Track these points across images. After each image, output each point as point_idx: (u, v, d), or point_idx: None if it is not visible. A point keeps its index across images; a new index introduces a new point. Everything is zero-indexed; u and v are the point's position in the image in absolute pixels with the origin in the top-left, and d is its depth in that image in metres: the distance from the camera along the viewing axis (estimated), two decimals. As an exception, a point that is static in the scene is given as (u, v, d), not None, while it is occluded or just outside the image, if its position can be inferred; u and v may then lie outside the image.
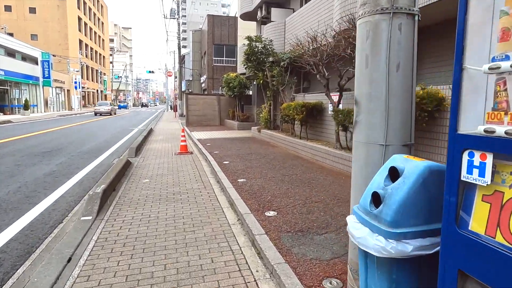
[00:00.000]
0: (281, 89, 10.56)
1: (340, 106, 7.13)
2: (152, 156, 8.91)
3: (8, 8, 48.14)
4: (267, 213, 4.01)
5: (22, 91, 30.75)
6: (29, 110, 29.06)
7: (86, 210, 4.29)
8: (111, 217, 4.20)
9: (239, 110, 17.00)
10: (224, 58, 26.68)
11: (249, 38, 11.50)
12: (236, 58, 26.24)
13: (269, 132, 10.91)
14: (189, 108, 18.99)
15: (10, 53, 32.52)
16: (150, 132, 15.44)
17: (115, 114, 35.73)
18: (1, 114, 27.12)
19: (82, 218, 4.12)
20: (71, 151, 9.58)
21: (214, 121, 19.39)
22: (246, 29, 26.06)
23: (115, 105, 46.40)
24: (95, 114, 32.35)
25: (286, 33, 11.66)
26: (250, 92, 18.75)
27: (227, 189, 5.16)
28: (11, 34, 42.37)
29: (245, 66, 12.08)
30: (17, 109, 29.25)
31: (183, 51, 33.12)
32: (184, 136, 9.47)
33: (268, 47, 11.56)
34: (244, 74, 16.56)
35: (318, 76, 7.34)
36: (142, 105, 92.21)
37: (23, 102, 29.30)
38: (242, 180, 5.75)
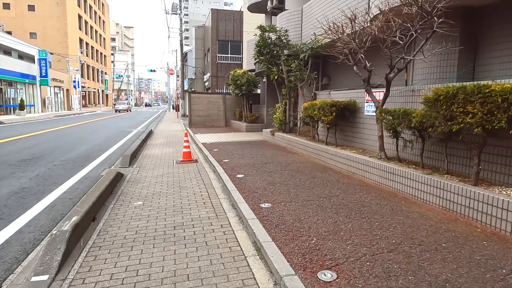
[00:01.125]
0: (299, 86, 9.09)
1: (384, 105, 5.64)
2: (149, 165, 7.47)
3: (6, 6, 46.98)
4: (321, 275, 2.54)
5: (18, 90, 29.43)
6: (25, 110, 27.74)
7: (42, 263, 2.85)
8: (80, 275, 2.75)
9: (247, 110, 15.54)
10: (229, 55, 25.23)
11: (261, 27, 10.04)
12: (242, 54, 24.81)
13: (285, 136, 9.45)
14: (192, 108, 17.56)
15: (6, 51, 31.25)
16: (150, 134, 14.01)
17: (130, 111, 43.83)
18: (-5, 114, 25.81)
19: (33, 279, 2.68)
20: (55, 158, 8.15)
21: (219, 122, 17.94)
22: (252, 24, 24.59)
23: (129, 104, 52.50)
24: (116, 111, 40.92)
25: (303, 23, 10.18)
26: (259, 91, 17.29)
27: (248, 221, 3.69)
28: (9, 32, 41.15)
29: (257, 60, 10.62)
30: (12, 109, 27.94)
31: (186, 48, 31.70)
32: (187, 141, 8.03)
33: (283, 38, 10.09)
34: (252, 70, 15.11)
35: (355, 68, 5.86)
36: (146, 105, 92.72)
37: (19, 102, 27.98)
38: (266, 205, 4.28)
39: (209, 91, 24.57)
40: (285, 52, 10.24)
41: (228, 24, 24.95)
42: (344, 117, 6.87)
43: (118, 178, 5.95)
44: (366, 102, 6.53)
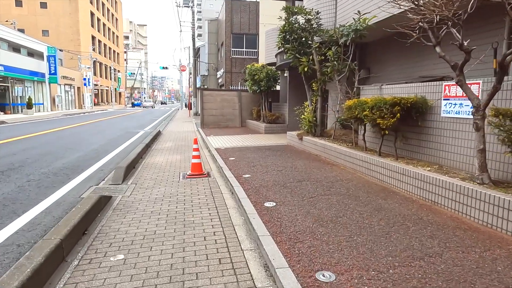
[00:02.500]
0: (336, 79, 7.26)
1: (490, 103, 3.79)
2: (149, 180, 5.82)
3: (19, 3, 46.59)
4: None
5: (26, 88, 28.50)
6: (32, 109, 26.76)
7: None
8: None
9: (266, 109, 13.77)
10: (244, 49, 23.50)
11: (287, 8, 8.24)
12: (258, 48, 23.06)
13: (318, 142, 7.65)
14: (204, 107, 15.92)
15: (15, 48, 30.42)
16: (157, 136, 12.43)
17: (153, 107, 54.95)
18: (1, 113, 24.87)
19: None
20: (35, 170, 6.60)
21: (234, 122, 16.24)
22: (269, 16, 22.86)
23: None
24: (144, 107, 52.27)
25: (338, 2, 8.33)
26: (278, 87, 15.51)
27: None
28: (22, 30, 40.61)
29: (280, 49, 8.84)
30: (20, 108, 27.01)
31: (198, 43, 30.14)
32: (197, 150, 6.31)
33: (314, 21, 8.27)
34: (272, 64, 13.32)
35: (437, 49, 4.02)
36: (161, 103, 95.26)
37: (27, 100, 27.01)
38: (328, 276, 2.51)
39: (223, 88, 22.87)
40: (316, 39, 8.43)
41: (244, 16, 23.21)
42: (408, 120, 5.03)
43: (100, 205, 4.30)
44: (445, 100, 4.67)
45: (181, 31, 28.14)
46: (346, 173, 5.90)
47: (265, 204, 4.19)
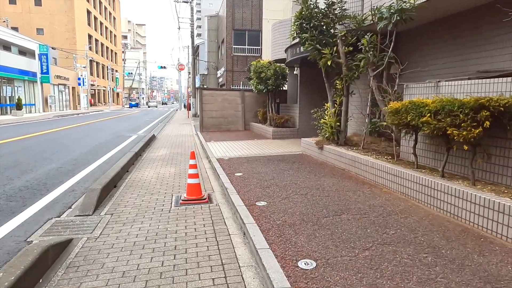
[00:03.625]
0: (371, 75, 5.76)
1: None
2: (130, 208, 4.34)
3: (12, 1, 45.12)
4: None
5: (16, 88, 26.98)
6: (22, 110, 25.25)
7: None
8: None
9: (273, 110, 12.28)
10: (246, 46, 22.03)
11: (305, -12, 6.75)
12: (261, 45, 21.60)
13: (344, 153, 6.15)
14: (204, 108, 14.43)
15: (6, 46, 28.91)
16: (150, 141, 10.94)
17: (156, 107, 61.74)
18: (-12, 114, 23.38)
19: None
20: (-15, 192, 5.11)
21: (236, 125, 14.76)
22: (273, 11, 21.41)
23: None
24: (149, 106, 61.73)
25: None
26: (285, 87, 14.02)
27: None
28: (15, 29, 39.13)
29: (296, 39, 7.37)
30: (9, 109, 25.49)
31: (197, 41, 28.64)
32: (194, 166, 4.80)
33: (337, 5, 6.79)
34: (280, 61, 11.84)
35: None
36: (163, 103, 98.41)
37: (16, 100, 25.49)
38: None
39: (224, 88, 21.37)
40: (338, 28, 6.96)
41: (246, 11, 21.73)
42: (494, 130, 3.54)
43: (46, 262, 2.81)
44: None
45: (179, 28, 26.69)
46: (395, 199, 4.41)
47: (299, 263, 2.69)
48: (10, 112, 24.98)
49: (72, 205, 4.62)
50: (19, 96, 25.97)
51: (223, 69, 23.39)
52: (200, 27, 56.03)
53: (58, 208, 4.48)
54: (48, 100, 31.80)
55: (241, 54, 21.92)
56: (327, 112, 7.22)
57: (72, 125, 17.79)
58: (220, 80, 25.29)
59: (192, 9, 25.49)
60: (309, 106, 11.19)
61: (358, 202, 4.27)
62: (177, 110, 45.73)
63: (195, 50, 27.73)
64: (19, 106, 25.16)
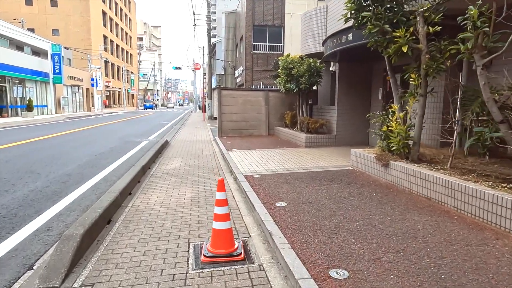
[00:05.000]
0: (479, 64, 3.93)
1: None
2: (124, 268, 2.65)
3: (29, 2, 44.99)
4: None
5: (27, 89, 26.09)
6: (33, 111, 24.26)
7: None
8: None
9: (305, 113, 10.50)
10: (267, 43, 20.34)
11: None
12: (283, 42, 19.87)
13: (436, 178, 4.31)
14: (223, 110, 12.79)
15: (19, 46, 28.19)
16: (163, 149, 9.37)
17: (173, 107, 72.02)
18: (-2, 116, 22.47)
19: None
20: None
21: (259, 130, 13.05)
22: (296, 5, 19.67)
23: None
24: (167, 107, 69.35)
25: None
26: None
27: None
28: (31, 30, 38.75)
29: (353, 21, 5.58)
30: (20, 111, 24.59)
31: (213, 40, 27.16)
32: (224, 203, 3.09)
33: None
34: (313, 56, 10.08)
35: None
36: (179, 105, 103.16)
37: (27, 102, 24.53)
38: None
39: (246, 88, 19.68)
40: (406, 8, 5.15)
41: (267, 5, 20.07)
42: None
43: None
44: None
45: (195, 25, 25.21)
46: None
47: None
48: (21, 114, 24.05)
49: (36, 261, 3.00)
50: (30, 97, 25.02)
51: (241, 68, 21.77)
52: (215, 28, 54.77)
53: (12, 269, 2.86)
54: (60, 102, 30.92)
55: (262, 52, 20.24)
56: (392, 117, 5.40)
57: (80, 128, 16.49)
58: (238, 80, 23.68)
59: (209, 5, 24.03)
60: (349, 108, 9.39)
61: (500, 272, 2.47)
62: (191, 112, 44.47)
63: (212, 48, 26.24)
64: (30, 108, 24.17)
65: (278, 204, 4.23)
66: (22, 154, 8.38)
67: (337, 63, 9.53)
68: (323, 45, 9.05)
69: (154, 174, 6.42)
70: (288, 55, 10.41)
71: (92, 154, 8.61)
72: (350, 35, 6.87)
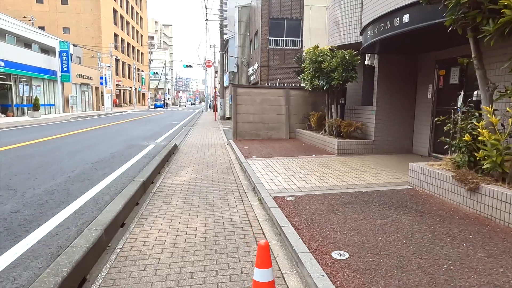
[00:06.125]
0: None
1: None
2: None
3: (39, 0, 44.54)
4: None
5: (34, 87, 25.25)
6: (39, 111, 23.39)
7: None
8: None
9: (335, 114, 9.03)
10: (284, 38, 18.90)
11: None
12: (302, 37, 18.40)
13: None
14: (238, 110, 11.42)
15: (27, 43, 27.42)
16: (170, 156, 8.06)
17: (185, 106, 76.62)
18: (2, 116, 21.62)
19: None
20: None
21: (279, 132, 11.64)
22: (316, -4, 18.17)
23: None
24: (180, 106, 75.09)
25: None
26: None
27: None
28: (42, 28, 38.21)
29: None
30: (26, 110, 23.75)
31: (226, 36, 25.82)
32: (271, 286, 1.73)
33: None
34: (347, 47, 8.61)
35: None
36: (192, 104, 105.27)
37: (33, 101, 23.67)
38: None
39: (264, 85, 18.29)
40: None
41: (284, -4, 18.60)
42: None
43: None
44: None
45: (207, 19, 23.95)
46: None
47: None
48: (27, 113, 23.20)
49: None
50: (36, 96, 24.17)
51: (256, 64, 20.38)
52: (226, 26, 53.41)
53: None
54: (69, 100, 30.09)
55: (278, 47, 18.80)
56: (480, 122, 3.91)
57: (85, 129, 15.36)
58: (252, 78, 22.30)
59: (221, -2, 22.71)
60: (389, 109, 7.92)
61: None
62: (202, 111, 43.35)
63: (224, 45, 24.92)
64: (36, 107, 23.31)
65: (335, 254, 2.82)
66: (5, 162, 7.17)
67: (375, 56, 8.04)
68: (361, 34, 7.58)
69: (157, 192, 5.09)
70: (316, 47, 8.95)
71: (88, 162, 7.34)
72: (406, 16, 5.40)
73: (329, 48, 8.73)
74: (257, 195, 4.90)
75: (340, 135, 8.46)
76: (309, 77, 8.99)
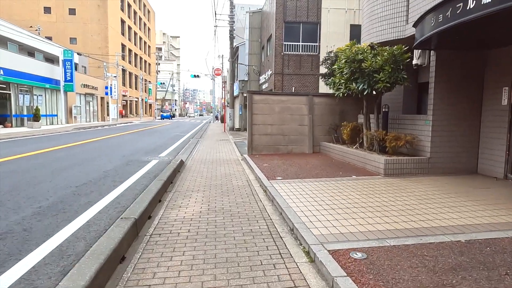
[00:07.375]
0: None
1: None
2: None
3: (47, 10, 44.34)
4: None
5: (36, 97, 24.15)
6: (39, 121, 22.20)
7: None
8: None
9: (375, 125, 7.42)
10: (300, 43, 17.49)
11: None
12: (319, 42, 17.00)
13: None
14: (254, 120, 9.88)
15: (30, 52, 26.50)
16: (175, 175, 6.51)
17: (194, 117, 75.40)
18: (0, 126, 20.43)
19: None
20: None
21: (300, 146, 10.05)
22: (334, -2, 16.91)
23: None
24: (188, 116, 74.95)
25: None
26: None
27: None
28: (49, 38, 37.61)
29: None
30: (26, 120, 22.58)
31: (236, 43, 24.57)
32: None
33: None
34: (387, 44, 7.07)
35: None
36: (199, 115, 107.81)
37: (34, 111, 22.52)
38: None
39: (285, 92, 16.81)
40: None
41: (300, -1, 17.28)
42: None
43: None
44: None
45: (216, 26, 22.77)
46: None
47: None
48: (27, 124, 22.02)
49: None
50: (37, 106, 23.02)
51: (269, 72, 18.96)
52: (234, 38, 52.43)
53: None
54: (72, 111, 28.96)
55: (294, 53, 17.38)
56: None
57: (84, 141, 13.96)
58: (264, 86, 20.88)
59: (231, 3, 21.52)
60: (448, 119, 6.30)
61: None
62: (210, 122, 42.06)
63: (234, 52, 23.64)
64: (36, 117, 22.14)
65: None
66: (-31, 185, 5.69)
67: (430, 53, 6.47)
68: (414, 26, 6.02)
69: (155, 235, 3.52)
70: (354, 43, 7.43)
71: (73, 185, 5.83)
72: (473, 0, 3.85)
73: (369, 45, 7.19)
74: (301, 245, 3.29)
75: (384, 151, 6.83)
76: (343, 80, 7.43)
